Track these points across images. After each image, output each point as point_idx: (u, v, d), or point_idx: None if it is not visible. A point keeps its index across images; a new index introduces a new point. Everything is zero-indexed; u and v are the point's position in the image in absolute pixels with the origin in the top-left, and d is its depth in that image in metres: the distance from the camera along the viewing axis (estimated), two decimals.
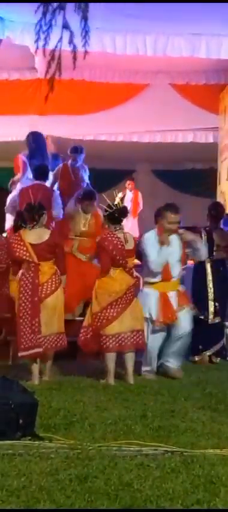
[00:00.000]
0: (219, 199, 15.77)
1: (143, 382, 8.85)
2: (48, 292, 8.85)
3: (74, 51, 3.57)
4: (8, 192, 11.91)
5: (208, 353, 10.68)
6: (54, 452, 5.52)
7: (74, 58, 3.55)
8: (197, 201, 21.05)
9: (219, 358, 10.70)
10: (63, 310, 9.09)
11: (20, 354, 8.84)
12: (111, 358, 8.88)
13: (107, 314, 8.88)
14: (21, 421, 5.94)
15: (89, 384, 8.68)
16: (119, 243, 9.02)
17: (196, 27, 12.12)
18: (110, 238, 9.11)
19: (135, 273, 9.39)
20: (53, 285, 8.90)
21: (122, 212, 9.43)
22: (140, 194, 18.22)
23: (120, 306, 8.90)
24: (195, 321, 10.77)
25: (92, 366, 9.73)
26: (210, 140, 16.76)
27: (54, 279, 8.93)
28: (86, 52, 3.57)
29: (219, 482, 4.89)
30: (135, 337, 8.95)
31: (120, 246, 9.01)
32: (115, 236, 9.07)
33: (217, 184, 16.75)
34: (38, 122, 15.89)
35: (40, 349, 8.75)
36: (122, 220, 9.35)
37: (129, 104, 16.16)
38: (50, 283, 8.89)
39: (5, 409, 5.92)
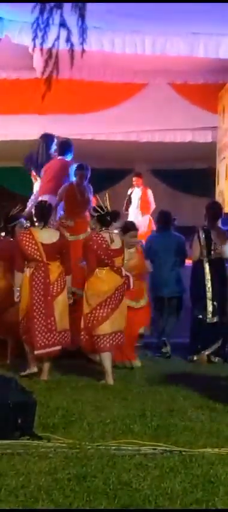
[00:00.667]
0: (217, 198, 15.78)
1: (142, 381, 8.85)
2: (58, 290, 8.97)
3: (72, 49, 3.57)
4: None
5: (206, 352, 10.68)
6: (53, 451, 5.52)
7: (72, 57, 3.55)
8: (195, 200, 21.07)
9: (218, 358, 10.69)
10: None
11: (36, 352, 8.84)
12: (107, 358, 8.92)
13: (96, 315, 8.92)
14: (19, 420, 5.94)
15: (87, 383, 8.69)
16: (103, 242, 9.08)
17: (194, 26, 12.13)
18: (94, 238, 9.21)
19: (125, 272, 9.37)
20: (62, 284, 9.01)
21: (114, 216, 9.65)
22: (150, 191, 17.82)
23: (110, 306, 8.96)
24: (194, 320, 10.82)
25: (91, 365, 9.78)
26: (209, 139, 16.77)
27: (62, 278, 9.04)
28: (83, 50, 3.57)
29: (218, 481, 4.89)
30: (123, 338, 9.10)
31: (104, 246, 9.06)
32: (100, 236, 9.15)
33: (216, 184, 16.75)
34: (36, 121, 15.93)
35: (59, 347, 8.93)
36: (111, 223, 9.41)
37: (128, 103, 16.18)
38: (59, 282, 8.99)
39: (4, 408, 5.92)
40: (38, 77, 15.55)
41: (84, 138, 16.04)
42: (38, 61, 14.76)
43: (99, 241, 9.08)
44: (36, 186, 12.36)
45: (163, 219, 11.82)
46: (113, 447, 5.68)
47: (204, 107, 16.20)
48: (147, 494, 4.57)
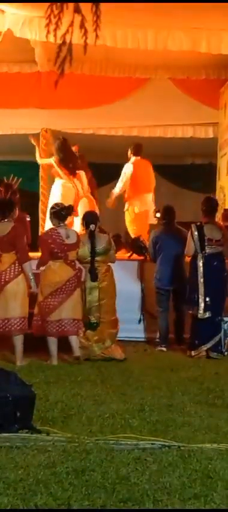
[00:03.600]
0: (218, 194, 15.74)
1: (141, 376, 8.85)
2: (6, 279, 9.61)
3: (85, 36, 3.56)
4: (6, 183, 11.78)
5: (205, 348, 10.68)
6: (52, 445, 5.54)
7: (85, 43, 3.55)
8: (196, 196, 21.04)
9: (216, 353, 10.69)
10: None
11: None
12: (52, 342, 9.79)
13: (48, 303, 9.78)
14: (18, 413, 5.95)
15: (86, 377, 8.70)
16: (58, 237, 9.96)
17: (197, 21, 12.09)
18: (50, 233, 10.27)
19: (78, 265, 10.18)
20: (12, 273, 9.66)
21: (68, 210, 10.34)
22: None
23: (61, 295, 9.80)
24: (191, 316, 10.85)
25: (90, 360, 9.83)
26: (210, 135, 16.71)
27: (13, 268, 9.66)
28: (96, 37, 3.56)
29: (216, 476, 4.90)
30: (76, 325, 9.95)
31: (58, 240, 9.94)
32: (55, 231, 10.08)
33: (217, 180, 16.72)
34: (37, 116, 15.90)
35: None
36: (66, 218, 10.27)
37: (129, 98, 16.11)
38: (8, 272, 9.65)
39: (3, 401, 5.93)
40: (40, 70, 15.64)
41: (86, 133, 16.01)
42: (39, 55, 14.79)
43: (54, 236, 9.99)
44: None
45: (167, 214, 12.04)
46: (112, 441, 5.69)
47: (206, 103, 16.13)
48: (145, 489, 4.58)
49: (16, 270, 9.65)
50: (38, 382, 7.88)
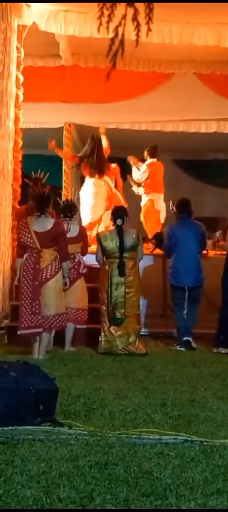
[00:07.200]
0: None
1: (163, 371, 8.85)
2: (48, 277, 9.66)
3: (138, 28, 3.57)
4: (36, 177, 11.80)
5: None
6: (74, 438, 5.54)
7: (138, 35, 3.55)
8: (218, 191, 21.02)
9: None
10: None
11: (19, 332, 9.67)
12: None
13: None
14: (41, 406, 5.96)
15: (108, 371, 8.72)
16: None
17: (222, 16, 12.06)
18: None
19: (78, 258, 10.61)
20: (53, 271, 9.70)
21: (70, 207, 10.90)
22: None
23: None
24: (221, 313, 10.76)
25: (112, 354, 9.85)
26: None
27: (54, 265, 9.71)
28: (149, 30, 3.57)
29: None
30: (79, 314, 10.49)
31: None
32: None
33: None
34: (61, 110, 15.94)
35: (40, 329, 9.61)
36: (71, 214, 10.82)
37: (153, 93, 16.12)
38: (49, 269, 9.69)
39: (26, 394, 5.94)
40: (64, 64, 15.67)
41: (109, 127, 16.03)
42: (64, 49, 14.81)
43: None
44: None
45: (183, 207, 11.59)
46: (134, 436, 5.69)
47: None
48: (168, 483, 4.58)
49: (57, 267, 9.71)
50: (60, 376, 7.89)
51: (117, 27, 3.51)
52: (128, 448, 5.32)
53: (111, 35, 3.51)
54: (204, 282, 11.13)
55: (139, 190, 15.20)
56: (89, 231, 12.84)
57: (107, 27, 3.56)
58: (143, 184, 15.05)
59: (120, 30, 3.50)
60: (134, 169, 15.40)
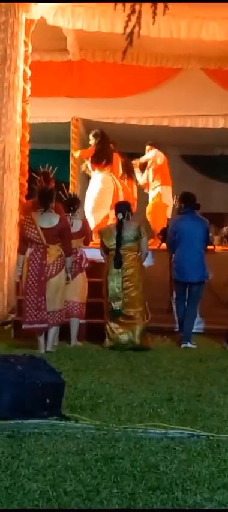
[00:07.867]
0: None
1: (169, 366, 8.85)
2: (53, 273, 9.69)
3: (155, 7, 3.58)
4: (44, 171, 11.77)
5: None
6: (81, 432, 5.54)
7: (154, 13, 3.57)
8: (225, 186, 20.98)
9: None
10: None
11: (23, 327, 9.71)
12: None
13: None
14: (48, 400, 5.97)
15: (115, 366, 8.72)
16: None
17: None
18: None
19: (81, 252, 10.67)
20: (58, 267, 9.73)
21: (73, 202, 10.96)
22: None
23: None
24: None
25: (118, 349, 9.85)
26: None
27: (59, 261, 9.75)
28: (166, 7, 3.58)
29: None
30: (80, 308, 10.49)
31: None
32: None
33: None
34: (68, 105, 15.94)
35: (45, 325, 9.68)
36: (74, 207, 10.86)
37: (161, 88, 16.12)
38: (55, 265, 9.72)
39: (33, 388, 5.95)
40: (72, 59, 15.66)
41: (117, 122, 16.03)
42: (71, 43, 14.80)
43: None
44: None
45: (187, 201, 11.32)
46: (140, 430, 5.69)
47: None
48: (174, 478, 4.57)
49: (62, 264, 9.76)
50: (66, 370, 7.90)
51: (134, 5, 3.52)
52: (134, 442, 5.32)
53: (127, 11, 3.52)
54: (211, 277, 11.07)
55: (142, 179, 15.20)
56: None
57: (124, 5, 3.56)
58: (151, 170, 15.06)
59: (136, 7, 3.51)
60: (136, 172, 15.41)
